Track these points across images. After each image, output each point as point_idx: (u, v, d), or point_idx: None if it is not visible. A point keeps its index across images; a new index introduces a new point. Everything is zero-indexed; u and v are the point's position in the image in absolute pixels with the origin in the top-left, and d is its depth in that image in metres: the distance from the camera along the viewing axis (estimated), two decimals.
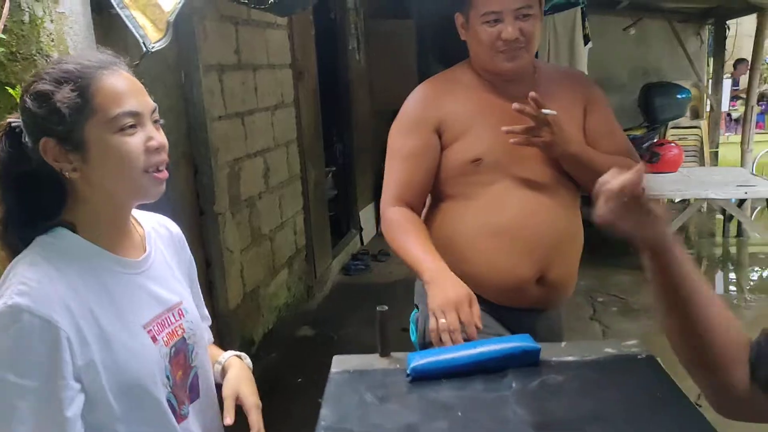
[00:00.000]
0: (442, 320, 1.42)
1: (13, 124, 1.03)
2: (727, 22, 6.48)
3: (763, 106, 9.65)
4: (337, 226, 5.53)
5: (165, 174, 1.06)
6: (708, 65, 7.27)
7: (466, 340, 1.40)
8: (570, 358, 1.38)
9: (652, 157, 5.38)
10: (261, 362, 3.47)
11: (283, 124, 4.15)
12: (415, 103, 1.72)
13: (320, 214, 4.83)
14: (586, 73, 5.18)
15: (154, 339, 1.07)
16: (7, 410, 0.93)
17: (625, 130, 5.86)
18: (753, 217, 6.16)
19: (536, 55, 1.76)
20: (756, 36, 5.58)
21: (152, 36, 1.82)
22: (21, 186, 1.03)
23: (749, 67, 5.80)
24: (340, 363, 1.43)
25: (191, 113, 2.93)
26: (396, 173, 1.71)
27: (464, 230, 1.66)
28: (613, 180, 0.96)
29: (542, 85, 1.68)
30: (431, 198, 1.75)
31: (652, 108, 5.96)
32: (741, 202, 5.48)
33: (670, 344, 0.99)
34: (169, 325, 1.12)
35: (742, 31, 8.66)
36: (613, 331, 3.96)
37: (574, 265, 1.71)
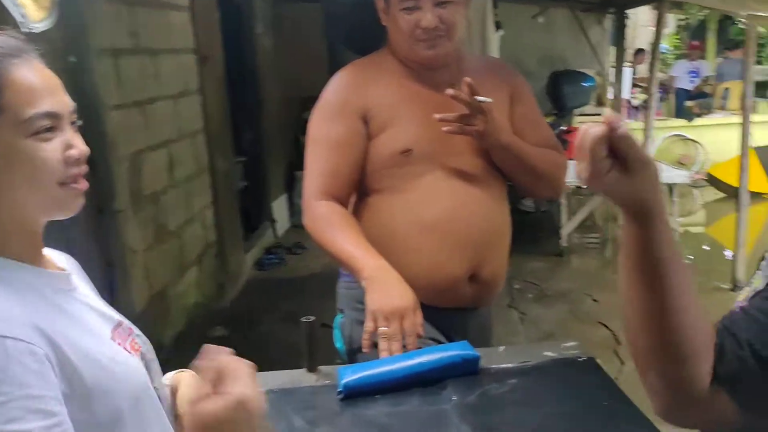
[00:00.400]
0: (383, 327, 1.31)
1: None
2: (626, 12, 6.70)
3: (660, 93, 10.14)
4: (249, 219, 5.31)
5: (85, 185, 0.88)
6: (609, 54, 7.51)
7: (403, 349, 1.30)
8: (509, 365, 1.32)
9: (562, 144, 5.49)
10: (172, 367, 3.27)
11: (188, 112, 3.92)
12: (339, 88, 1.62)
13: (230, 207, 4.62)
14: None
15: (126, 350, 0.92)
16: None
17: None
18: None
19: None
20: (657, 26, 5.79)
21: (34, 15, 1.63)
22: None
23: (651, 56, 6.00)
24: (263, 381, 1.29)
25: (83, 102, 2.65)
26: (320, 163, 1.60)
27: (394, 227, 1.57)
28: (590, 131, 0.82)
29: (468, 73, 1.60)
30: (356, 194, 1.64)
31: (561, 95, 6.07)
32: None
33: (628, 328, 0.87)
34: (125, 338, 0.95)
35: (637, 21, 9.05)
36: (530, 317, 4.02)
37: (504, 259, 1.67)
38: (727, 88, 9.06)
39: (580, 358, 1.33)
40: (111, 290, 2.96)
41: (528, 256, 4.80)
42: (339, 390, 1.23)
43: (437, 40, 1.55)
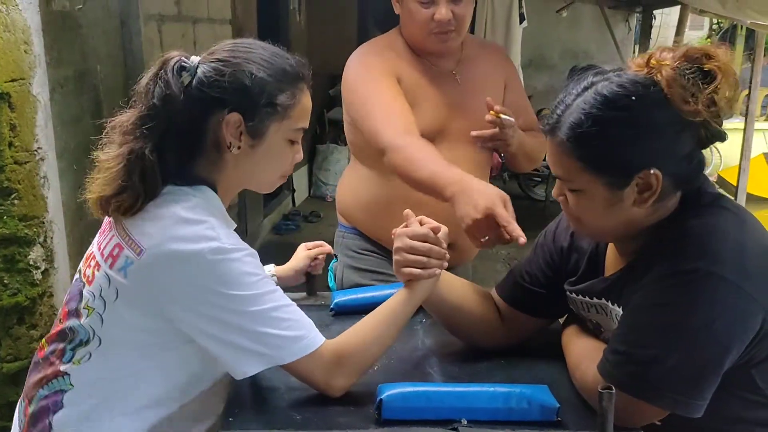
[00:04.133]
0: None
1: (183, 64, 1.08)
2: (654, 12, 6.81)
3: None
4: None
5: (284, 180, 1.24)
6: (633, 52, 7.62)
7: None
8: None
9: None
10: None
11: None
12: (373, 56, 1.72)
13: None
14: (520, 51, 5.38)
15: None
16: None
17: None
18: None
19: (473, 31, 1.83)
20: (678, 27, 5.91)
21: None
22: (183, 133, 1.09)
23: None
24: None
25: (129, 62, 2.94)
26: (394, 106, 1.61)
27: (383, 200, 1.73)
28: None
29: (469, 60, 1.77)
30: (355, 159, 1.83)
31: None
32: None
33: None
34: None
35: (667, 21, 9.09)
36: None
37: None
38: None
39: None
40: None
41: (532, 239, 5.00)
42: (331, 308, 1.50)
43: (449, 34, 1.65)
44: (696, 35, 12.53)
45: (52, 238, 2.22)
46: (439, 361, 1.29)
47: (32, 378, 1.15)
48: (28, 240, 2.12)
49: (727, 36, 11.61)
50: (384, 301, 1.23)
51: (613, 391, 0.97)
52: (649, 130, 1.02)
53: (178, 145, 1.09)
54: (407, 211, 1.23)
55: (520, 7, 5.44)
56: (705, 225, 1.05)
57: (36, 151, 2.15)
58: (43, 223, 2.18)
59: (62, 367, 1.09)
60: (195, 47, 3.73)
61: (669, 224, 1.08)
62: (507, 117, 1.59)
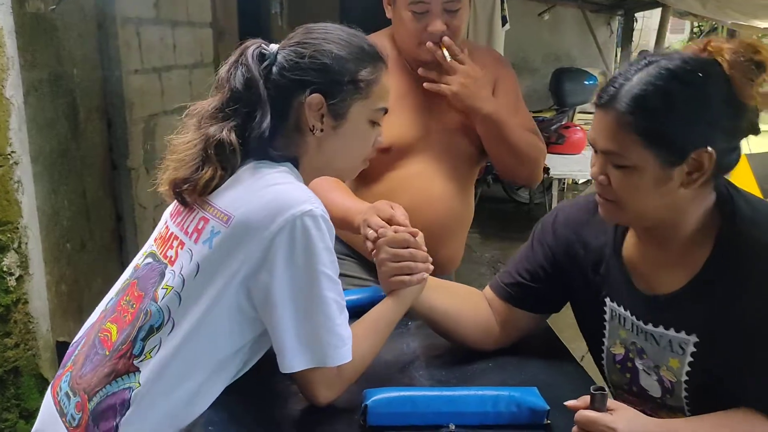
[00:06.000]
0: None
1: (263, 51, 1.09)
2: (636, 15, 6.87)
3: None
4: None
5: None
6: (615, 55, 7.67)
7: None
8: None
9: (559, 138, 5.68)
10: None
11: (201, 83, 4.10)
12: None
13: None
14: (503, 54, 5.38)
15: None
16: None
17: (536, 112, 6.16)
18: None
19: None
20: (659, 29, 5.96)
21: None
22: (266, 118, 1.07)
23: None
24: None
25: (106, 65, 2.89)
26: None
27: None
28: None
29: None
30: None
31: (562, 92, 6.25)
32: None
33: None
34: None
35: (649, 24, 9.18)
36: None
37: (461, 243, 1.79)
38: None
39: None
40: (120, 242, 3.18)
41: (515, 242, 5.01)
42: None
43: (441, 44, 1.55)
44: (676, 38, 12.67)
45: (26, 243, 2.16)
46: (426, 364, 1.26)
47: (95, 370, 1.05)
48: (2, 246, 2.06)
49: None
50: (359, 304, 1.20)
51: (606, 392, 0.94)
52: (712, 108, 1.01)
53: (260, 130, 1.07)
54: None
55: (503, 9, 5.46)
56: None
57: (10, 155, 2.10)
58: (18, 228, 2.13)
59: (134, 361, 1.03)
60: (174, 51, 3.68)
61: (730, 230, 1.06)
62: (446, 54, 1.55)
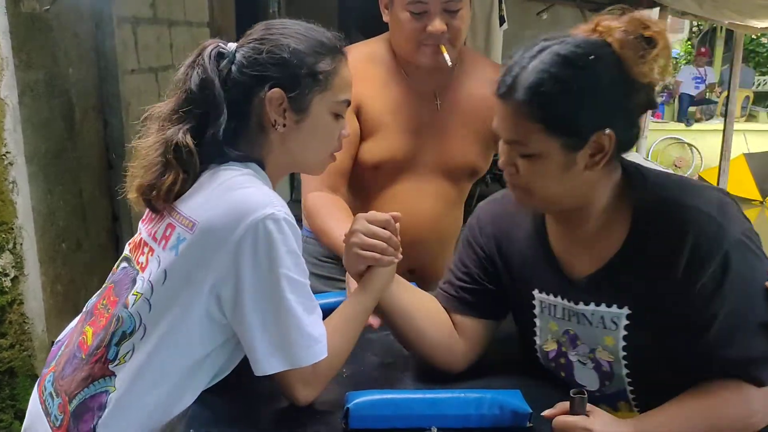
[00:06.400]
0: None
1: (221, 51, 1.09)
2: None
3: (664, 97, 10.27)
4: None
5: (334, 158, 1.20)
6: None
7: None
8: None
9: None
10: None
11: None
12: None
13: None
14: (501, 53, 5.39)
15: None
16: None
17: None
18: None
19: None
20: None
21: None
22: (224, 117, 1.07)
23: None
24: None
25: (102, 65, 2.90)
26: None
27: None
28: None
29: (458, 78, 1.62)
30: None
31: None
32: None
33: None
34: None
35: None
36: None
37: (447, 257, 1.70)
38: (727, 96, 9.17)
39: None
40: (116, 242, 3.19)
41: None
42: None
43: (441, 47, 1.49)
44: (676, 37, 12.66)
45: (21, 244, 2.17)
46: (410, 365, 1.26)
47: (74, 374, 1.08)
48: None
49: (707, 38, 11.75)
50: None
51: (586, 395, 0.95)
52: (606, 90, 1.02)
53: (215, 130, 1.07)
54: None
55: (500, 9, 5.46)
56: (694, 197, 1.06)
57: (5, 155, 2.11)
58: (12, 229, 2.14)
59: (110, 366, 1.05)
60: (171, 50, 3.69)
61: (644, 197, 1.08)
62: (447, 57, 1.49)
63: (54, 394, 1.10)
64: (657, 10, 5.99)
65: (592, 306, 1.11)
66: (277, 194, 1.07)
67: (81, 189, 2.69)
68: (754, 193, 6.92)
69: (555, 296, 1.17)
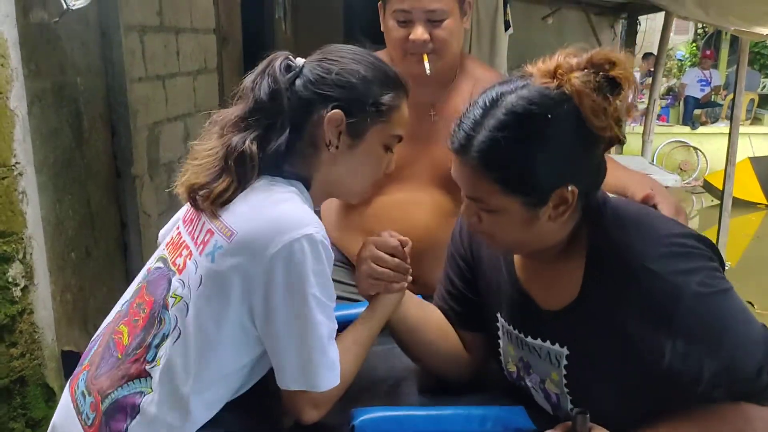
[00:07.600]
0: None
1: (289, 63, 1.11)
2: (639, 18, 6.85)
3: (669, 100, 10.25)
4: None
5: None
6: None
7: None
8: None
9: None
10: None
11: (206, 89, 4.15)
12: None
13: None
14: (506, 59, 5.39)
15: None
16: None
17: None
18: None
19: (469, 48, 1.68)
20: (663, 31, 5.94)
21: None
22: (285, 129, 1.09)
23: (655, 62, 6.15)
24: None
25: (110, 73, 2.92)
26: None
27: (344, 231, 1.68)
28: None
29: (457, 89, 1.64)
30: None
31: None
32: None
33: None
34: None
35: (653, 26, 9.15)
36: None
37: (440, 267, 1.77)
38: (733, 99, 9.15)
39: None
40: (125, 249, 3.21)
41: None
42: None
43: (428, 56, 1.53)
44: (681, 39, 12.63)
45: (31, 254, 2.19)
46: (416, 381, 1.27)
47: (110, 372, 1.08)
48: (7, 257, 2.09)
49: (713, 40, 11.72)
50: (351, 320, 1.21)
51: (587, 414, 0.96)
52: (564, 148, 0.99)
53: (278, 141, 1.08)
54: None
55: (506, 14, 5.45)
56: (647, 243, 1.00)
57: (14, 166, 2.13)
58: (22, 239, 2.15)
59: (147, 367, 1.05)
60: (178, 57, 3.71)
61: (597, 241, 1.04)
62: (427, 66, 1.51)
63: (86, 393, 1.10)
64: (662, 14, 6.00)
65: (539, 341, 1.11)
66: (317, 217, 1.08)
67: (89, 197, 2.72)
68: (759, 197, 6.90)
69: (509, 324, 1.17)
